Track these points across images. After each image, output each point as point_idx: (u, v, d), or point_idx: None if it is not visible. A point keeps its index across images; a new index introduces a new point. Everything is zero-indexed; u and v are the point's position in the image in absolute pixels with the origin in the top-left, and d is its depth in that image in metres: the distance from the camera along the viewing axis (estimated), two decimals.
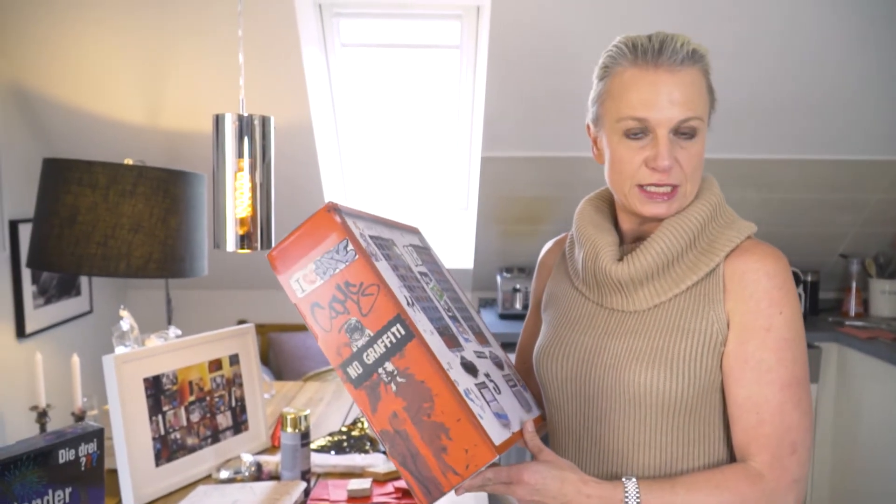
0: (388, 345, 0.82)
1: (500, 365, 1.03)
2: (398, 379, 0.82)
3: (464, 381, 0.85)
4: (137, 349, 1.66)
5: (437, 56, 2.76)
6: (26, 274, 2.44)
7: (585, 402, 1.00)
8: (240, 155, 1.46)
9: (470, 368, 0.90)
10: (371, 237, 0.91)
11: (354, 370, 0.84)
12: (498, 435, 0.84)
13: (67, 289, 2.72)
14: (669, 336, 0.94)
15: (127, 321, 1.77)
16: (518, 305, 2.99)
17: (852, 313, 3.09)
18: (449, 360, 0.85)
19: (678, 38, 0.94)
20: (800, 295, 2.93)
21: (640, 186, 0.96)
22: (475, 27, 2.49)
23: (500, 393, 0.94)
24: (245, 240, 1.47)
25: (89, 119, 2.54)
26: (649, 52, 0.93)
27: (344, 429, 1.79)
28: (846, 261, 3.15)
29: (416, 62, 2.81)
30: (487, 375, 0.94)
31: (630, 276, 0.97)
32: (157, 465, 1.46)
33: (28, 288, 2.45)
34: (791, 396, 0.90)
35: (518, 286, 2.99)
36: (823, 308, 3.24)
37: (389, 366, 0.82)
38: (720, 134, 2.73)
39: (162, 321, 2.98)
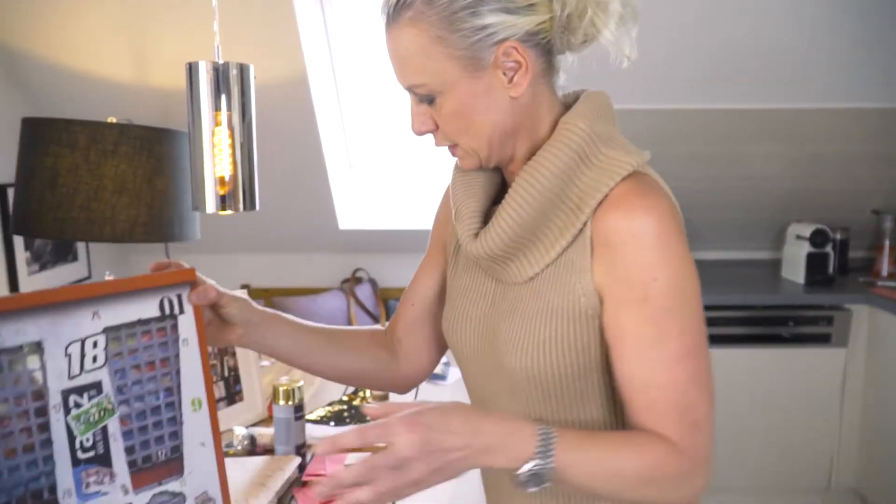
0: None
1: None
2: None
3: None
4: None
5: None
6: (18, 240, 2.37)
7: (488, 376, 0.91)
8: (217, 108, 1.34)
9: None
10: None
11: None
12: None
13: (63, 254, 2.64)
14: (541, 317, 0.82)
15: None
16: None
17: (884, 273, 2.93)
18: None
19: None
20: (827, 254, 2.79)
21: None
22: None
23: None
24: (226, 200, 1.36)
25: (75, 78, 2.43)
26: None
27: (345, 398, 1.72)
28: (878, 217, 2.99)
29: None
30: None
31: (486, 253, 0.84)
32: None
33: (21, 255, 2.38)
34: (683, 371, 0.78)
35: None
36: (853, 268, 3.08)
37: None
38: (739, 83, 2.60)
39: None
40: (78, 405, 0.71)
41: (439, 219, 1.06)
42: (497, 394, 0.91)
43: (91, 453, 0.73)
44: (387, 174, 3.06)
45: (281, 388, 1.39)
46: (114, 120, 1.83)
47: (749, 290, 2.78)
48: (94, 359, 0.73)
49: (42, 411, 0.69)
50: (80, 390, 0.72)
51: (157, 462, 0.78)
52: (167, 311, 0.79)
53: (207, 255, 3.20)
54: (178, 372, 0.80)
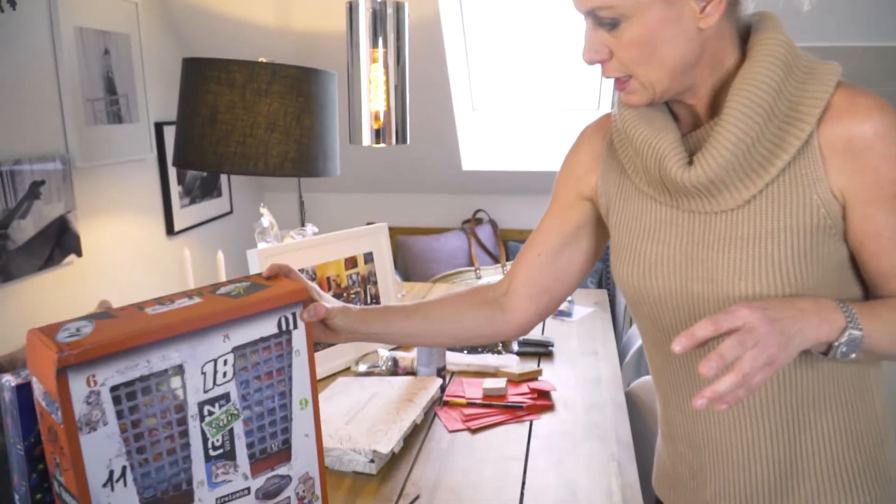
0: None
1: (275, 492, 0.92)
2: None
3: None
4: (278, 245, 1.70)
5: None
6: (172, 175, 2.57)
7: (688, 316, 0.89)
8: (374, 45, 1.40)
9: None
10: (117, 387, 0.75)
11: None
12: None
13: (210, 190, 2.84)
14: (770, 239, 0.82)
15: (267, 218, 1.82)
16: None
17: None
18: None
19: None
20: None
21: None
22: None
23: None
24: (380, 134, 1.43)
25: (223, 21, 2.56)
26: None
27: None
28: None
29: None
30: None
31: (708, 179, 0.82)
32: None
33: (174, 189, 2.58)
34: None
35: None
36: None
37: None
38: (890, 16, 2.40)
39: (295, 223, 3.07)
40: (210, 413, 0.84)
41: (572, 170, 1.03)
42: None
43: (220, 451, 0.85)
44: (508, 116, 3.08)
45: None
46: (265, 60, 1.93)
47: None
48: (224, 374, 0.84)
49: (182, 421, 0.81)
50: (212, 401, 0.84)
51: (271, 452, 0.90)
52: (284, 328, 0.89)
53: (336, 194, 3.35)
54: (290, 378, 0.91)
